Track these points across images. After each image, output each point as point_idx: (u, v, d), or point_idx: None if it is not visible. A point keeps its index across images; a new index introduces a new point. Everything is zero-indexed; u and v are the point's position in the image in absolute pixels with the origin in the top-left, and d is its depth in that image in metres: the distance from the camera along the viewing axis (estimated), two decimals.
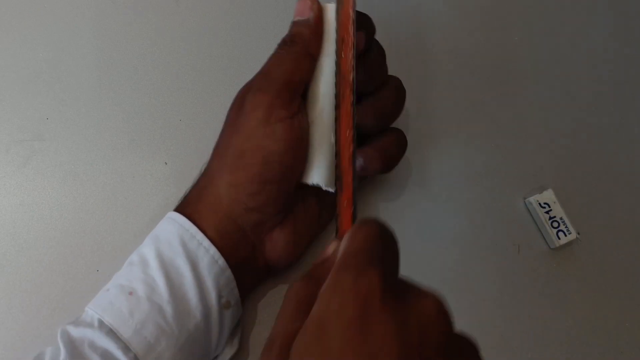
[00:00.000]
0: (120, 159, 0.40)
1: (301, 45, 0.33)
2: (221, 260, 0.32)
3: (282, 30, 0.43)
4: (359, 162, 0.35)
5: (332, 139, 0.33)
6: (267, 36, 0.43)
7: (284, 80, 0.32)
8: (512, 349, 0.40)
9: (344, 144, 0.31)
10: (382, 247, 0.23)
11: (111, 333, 0.29)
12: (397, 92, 0.36)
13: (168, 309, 0.30)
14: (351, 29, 0.32)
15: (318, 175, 0.33)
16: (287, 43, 0.34)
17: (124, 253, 0.39)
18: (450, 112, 0.44)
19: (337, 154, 0.32)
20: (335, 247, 0.26)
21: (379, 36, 0.36)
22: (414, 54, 0.45)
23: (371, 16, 0.35)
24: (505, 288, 0.41)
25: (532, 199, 0.42)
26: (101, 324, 0.30)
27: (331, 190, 0.33)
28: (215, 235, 0.32)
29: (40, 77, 0.41)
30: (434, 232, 0.41)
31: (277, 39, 0.43)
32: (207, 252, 0.31)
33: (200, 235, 0.32)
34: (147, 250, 0.32)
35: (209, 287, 0.31)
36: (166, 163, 0.40)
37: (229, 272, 0.32)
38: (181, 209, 0.33)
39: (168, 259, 0.31)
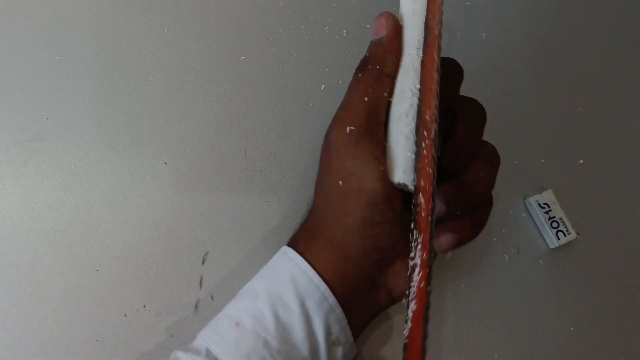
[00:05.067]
0: (120, 159, 0.40)
1: (375, 67, 0.32)
2: (331, 298, 0.31)
3: (282, 31, 0.43)
4: (446, 238, 0.33)
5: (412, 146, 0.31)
6: (267, 36, 0.43)
7: (366, 111, 0.32)
8: (511, 349, 0.41)
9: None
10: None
11: None
12: (491, 168, 0.34)
13: (274, 343, 0.30)
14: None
15: (405, 175, 0.31)
16: (362, 67, 0.33)
17: (124, 253, 0.39)
18: None
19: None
20: None
21: None
22: None
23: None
24: (504, 288, 0.41)
25: (532, 199, 0.42)
26: (208, 352, 0.31)
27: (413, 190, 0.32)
28: (332, 276, 0.32)
29: (40, 77, 0.41)
30: None
31: (277, 39, 0.43)
32: (317, 289, 0.31)
33: (311, 272, 0.31)
34: (258, 283, 0.33)
35: (317, 323, 0.31)
36: (166, 163, 0.40)
37: (339, 309, 0.32)
38: (293, 244, 0.34)
39: (277, 293, 0.31)
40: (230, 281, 0.39)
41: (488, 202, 0.35)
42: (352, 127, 0.31)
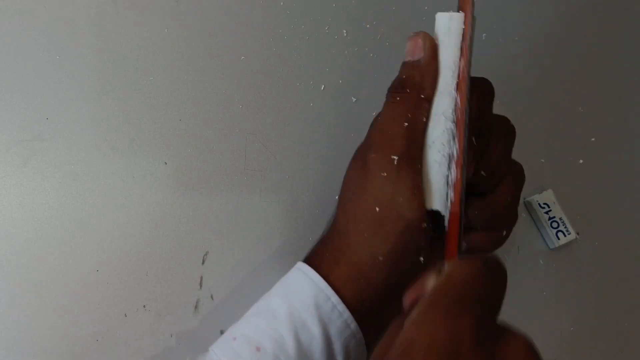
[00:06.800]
0: (120, 159, 0.40)
1: (413, 91, 0.32)
2: (354, 325, 0.31)
3: (282, 31, 0.43)
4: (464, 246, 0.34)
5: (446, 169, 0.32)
6: (267, 36, 0.43)
7: (406, 137, 0.31)
8: None
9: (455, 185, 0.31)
10: (484, 286, 0.23)
11: None
12: (516, 188, 0.34)
13: None
14: (465, 66, 0.32)
15: (439, 201, 0.32)
16: (398, 89, 0.33)
17: (124, 253, 0.39)
18: None
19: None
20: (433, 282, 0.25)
21: None
22: None
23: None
24: None
25: (532, 199, 0.42)
26: None
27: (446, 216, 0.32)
28: (352, 300, 0.32)
29: (40, 77, 0.40)
30: None
31: (277, 39, 0.43)
32: (340, 316, 0.31)
33: (335, 298, 0.31)
34: (278, 303, 0.32)
35: (338, 349, 0.31)
36: (166, 163, 0.40)
37: (360, 334, 0.32)
38: (315, 264, 0.33)
39: (299, 318, 0.31)
40: (230, 281, 0.39)
41: (512, 222, 0.35)
42: (395, 156, 0.31)
